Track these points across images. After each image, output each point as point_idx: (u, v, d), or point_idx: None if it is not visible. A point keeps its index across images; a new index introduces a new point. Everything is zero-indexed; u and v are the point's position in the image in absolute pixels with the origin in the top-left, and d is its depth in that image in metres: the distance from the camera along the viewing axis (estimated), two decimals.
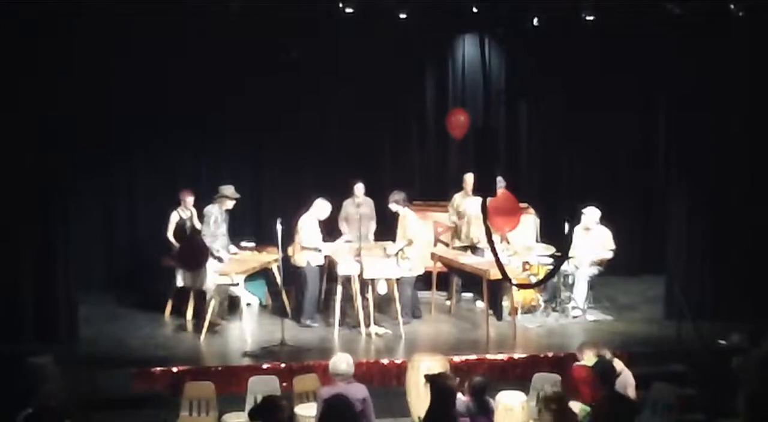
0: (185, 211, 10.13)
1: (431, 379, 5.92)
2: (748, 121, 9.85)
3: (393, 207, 9.90)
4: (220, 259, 9.67)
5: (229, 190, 9.85)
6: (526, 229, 10.76)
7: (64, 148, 9.00)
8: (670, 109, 10.88)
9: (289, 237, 9.51)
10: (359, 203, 10.43)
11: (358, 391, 6.11)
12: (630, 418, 6.11)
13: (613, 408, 6.10)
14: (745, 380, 6.89)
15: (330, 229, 10.25)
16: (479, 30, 11.01)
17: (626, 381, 7.09)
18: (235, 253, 10.06)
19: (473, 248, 10.24)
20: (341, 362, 6.31)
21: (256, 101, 11.17)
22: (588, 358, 7.13)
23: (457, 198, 10.51)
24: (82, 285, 9.87)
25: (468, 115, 11.35)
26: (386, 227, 10.40)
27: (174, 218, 10.09)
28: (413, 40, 11.20)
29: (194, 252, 9.55)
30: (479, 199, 9.97)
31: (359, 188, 10.53)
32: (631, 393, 7.00)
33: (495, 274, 8.78)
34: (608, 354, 7.24)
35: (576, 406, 6.60)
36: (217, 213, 9.77)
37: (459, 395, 6.23)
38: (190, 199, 10.16)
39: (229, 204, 9.87)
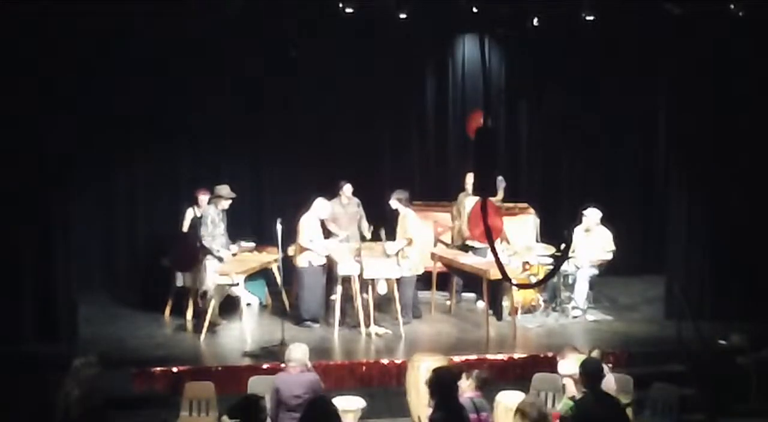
0: (199, 210, 10.10)
1: (433, 374, 5.87)
2: (748, 121, 9.84)
3: (394, 204, 9.87)
4: (220, 259, 9.64)
5: (224, 189, 9.74)
6: (526, 229, 10.76)
7: (64, 148, 9.00)
8: (670, 108, 10.89)
9: (289, 237, 9.51)
10: (345, 203, 10.38)
11: (309, 380, 6.52)
12: (612, 416, 6.09)
13: (596, 406, 6.09)
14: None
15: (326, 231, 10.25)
16: (479, 30, 11.00)
17: (608, 385, 6.96)
18: (235, 253, 10.04)
19: (472, 248, 10.23)
20: (296, 350, 6.64)
21: (256, 101, 11.17)
22: (569, 359, 7.03)
23: (461, 197, 10.52)
24: (82, 285, 9.86)
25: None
26: (386, 227, 10.38)
27: (189, 215, 10.09)
28: (413, 40, 11.19)
29: (186, 254, 9.57)
30: (474, 199, 10.11)
31: (347, 189, 10.45)
32: None
33: (495, 274, 8.79)
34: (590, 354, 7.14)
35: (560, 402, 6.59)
36: (213, 213, 9.66)
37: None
38: (204, 198, 10.10)
39: (225, 204, 9.76)
